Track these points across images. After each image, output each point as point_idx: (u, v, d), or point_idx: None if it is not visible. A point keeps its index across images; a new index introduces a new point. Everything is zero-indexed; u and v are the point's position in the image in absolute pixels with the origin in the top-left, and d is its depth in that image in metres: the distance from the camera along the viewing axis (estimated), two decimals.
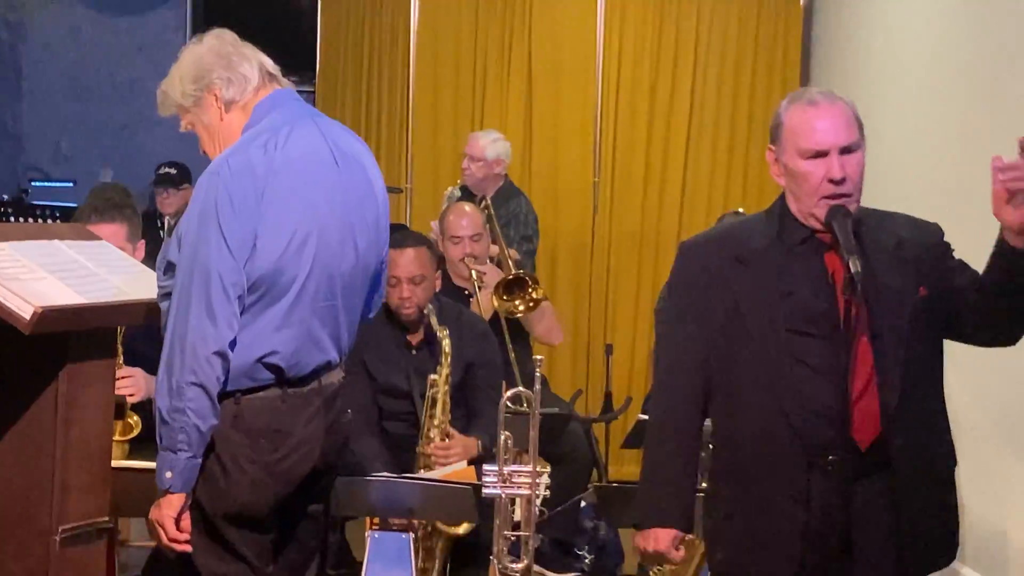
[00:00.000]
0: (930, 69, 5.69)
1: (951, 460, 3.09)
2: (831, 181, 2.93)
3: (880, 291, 2.92)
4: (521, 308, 5.69)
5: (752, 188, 7.56)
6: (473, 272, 5.67)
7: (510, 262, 5.93)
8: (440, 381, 4.78)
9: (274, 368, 3.16)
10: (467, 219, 5.78)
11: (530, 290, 5.67)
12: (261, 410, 3.17)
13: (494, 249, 5.98)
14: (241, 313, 3.09)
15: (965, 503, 4.49)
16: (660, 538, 3.09)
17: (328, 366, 3.29)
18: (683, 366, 3.10)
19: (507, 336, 5.54)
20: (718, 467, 3.12)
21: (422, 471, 4.72)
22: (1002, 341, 3.07)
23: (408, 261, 4.82)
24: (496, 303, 5.61)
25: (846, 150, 2.94)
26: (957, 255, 3.06)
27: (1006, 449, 4.46)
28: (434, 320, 4.83)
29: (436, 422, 4.77)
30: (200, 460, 3.10)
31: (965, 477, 4.31)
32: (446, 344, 4.79)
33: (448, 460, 4.72)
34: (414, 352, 4.93)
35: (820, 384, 2.93)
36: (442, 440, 4.75)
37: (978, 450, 4.56)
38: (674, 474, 3.10)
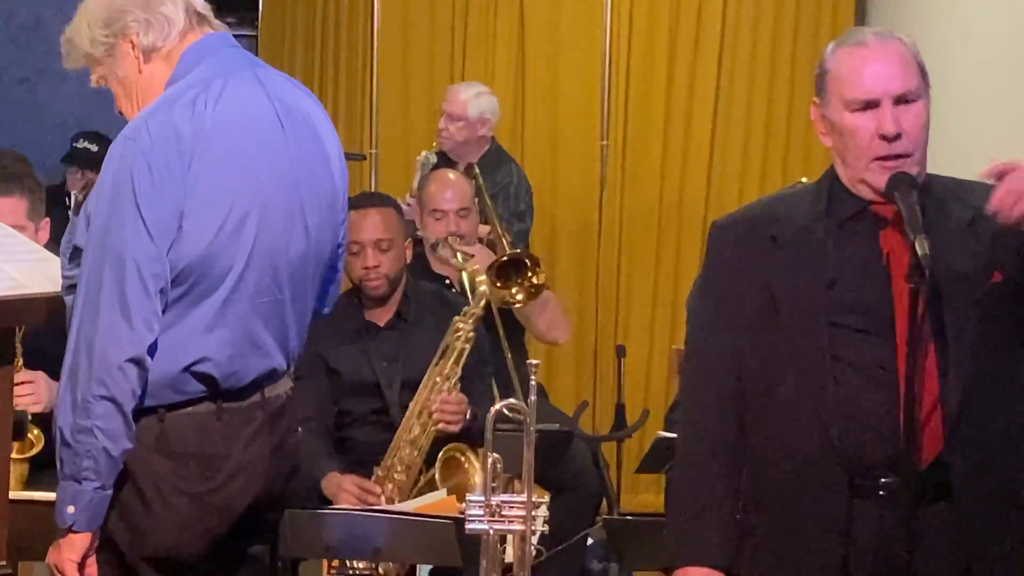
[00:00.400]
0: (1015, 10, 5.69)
1: None
2: (883, 138, 2.93)
3: (945, 277, 2.92)
4: (519, 296, 5.63)
5: (795, 153, 7.56)
6: (459, 255, 5.67)
7: (505, 242, 5.92)
8: (466, 325, 4.83)
9: (205, 378, 3.16)
10: (452, 190, 5.78)
11: (529, 274, 5.63)
12: (190, 429, 3.17)
13: (483, 230, 5.98)
14: (164, 311, 3.08)
15: None
16: None
17: (272, 374, 3.29)
18: (716, 370, 3.11)
19: (501, 332, 5.53)
20: (748, 488, 3.12)
21: (415, 428, 4.75)
22: None
23: (373, 224, 4.88)
24: (488, 290, 5.59)
25: (902, 100, 2.94)
26: None
27: None
28: (447, 251, 4.88)
29: (446, 372, 4.79)
30: (110, 492, 3.08)
31: None
32: (481, 282, 4.86)
33: (455, 418, 4.76)
34: (381, 334, 4.94)
35: (869, 390, 2.94)
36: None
37: None
38: (711, 500, 3.10)
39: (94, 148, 7.46)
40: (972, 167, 3.36)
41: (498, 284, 5.57)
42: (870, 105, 2.93)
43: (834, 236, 3.00)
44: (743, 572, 3.12)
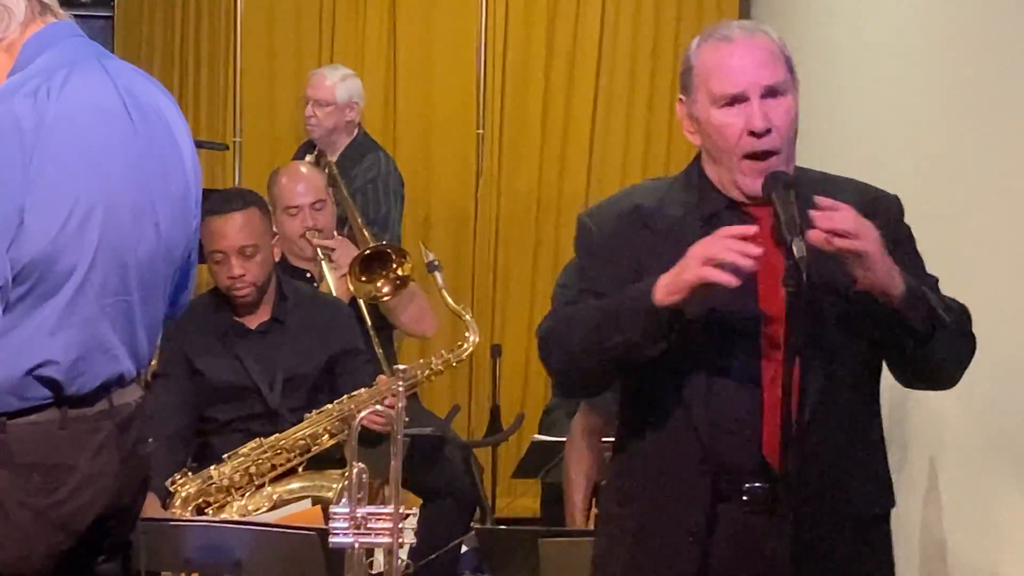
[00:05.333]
0: (907, 12, 5.74)
1: (882, 501, 3.16)
2: (752, 133, 2.97)
3: (814, 281, 2.90)
4: (386, 290, 5.63)
5: (678, 144, 7.60)
6: (319, 250, 5.66)
7: (366, 232, 5.91)
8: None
9: (50, 382, 3.14)
10: (304, 183, 5.78)
11: (394, 266, 5.62)
12: (33, 438, 3.14)
13: None
14: (4, 311, 3.06)
15: (947, 537, 4.56)
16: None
17: (121, 379, 3.28)
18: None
19: (371, 329, 5.54)
20: (615, 483, 3.20)
21: None
22: (935, 387, 3.23)
23: (235, 229, 4.82)
24: (352, 286, 5.58)
25: (770, 93, 2.99)
26: (923, 247, 3.12)
27: (1000, 469, 4.50)
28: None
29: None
30: None
31: (951, 506, 4.37)
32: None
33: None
34: (251, 335, 4.93)
35: (735, 396, 3.00)
36: None
37: (965, 469, 4.62)
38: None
39: None
40: (855, 165, 3.39)
41: (362, 278, 5.56)
42: (738, 99, 2.98)
43: (706, 232, 2.99)
44: (597, 566, 3.21)
